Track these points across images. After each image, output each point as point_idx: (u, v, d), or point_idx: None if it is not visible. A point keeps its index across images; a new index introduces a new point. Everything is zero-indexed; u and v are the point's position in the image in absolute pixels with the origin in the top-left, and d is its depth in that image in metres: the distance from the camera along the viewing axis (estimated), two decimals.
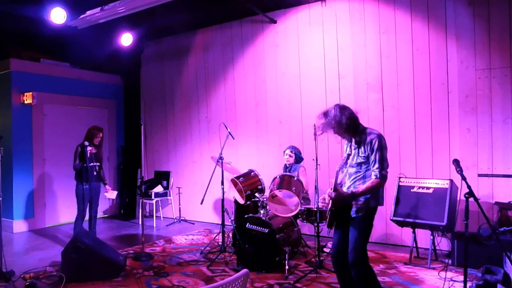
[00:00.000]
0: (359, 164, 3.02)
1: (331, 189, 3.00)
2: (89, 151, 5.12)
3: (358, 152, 3.02)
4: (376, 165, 2.91)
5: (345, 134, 3.05)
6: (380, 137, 2.96)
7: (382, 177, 2.91)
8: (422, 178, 4.78)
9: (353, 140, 3.06)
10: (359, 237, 2.97)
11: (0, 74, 6.89)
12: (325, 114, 3.05)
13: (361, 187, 2.95)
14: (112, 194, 5.55)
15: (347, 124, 2.96)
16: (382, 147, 2.94)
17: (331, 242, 5.21)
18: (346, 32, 5.66)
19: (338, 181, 3.10)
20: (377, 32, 5.44)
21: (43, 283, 4.03)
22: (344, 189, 3.06)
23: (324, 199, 3.17)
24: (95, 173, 5.28)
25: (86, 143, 5.13)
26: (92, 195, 5.33)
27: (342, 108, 3.02)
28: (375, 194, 2.99)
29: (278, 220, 4.62)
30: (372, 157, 2.94)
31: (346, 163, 3.08)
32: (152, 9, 5.61)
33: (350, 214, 3.01)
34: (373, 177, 2.93)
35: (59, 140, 7.12)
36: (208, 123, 7.20)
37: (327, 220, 3.10)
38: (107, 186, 5.58)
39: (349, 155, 3.07)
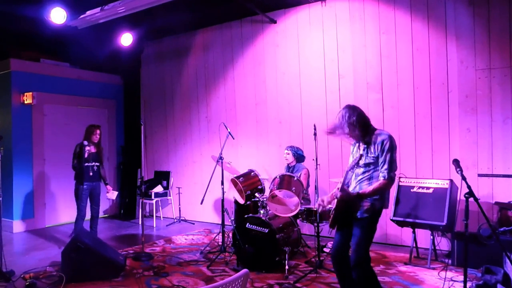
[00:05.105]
0: (367, 165, 2.98)
1: (338, 188, 2.97)
2: (87, 151, 5.11)
3: (367, 153, 2.98)
4: (385, 166, 2.88)
5: (355, 134, 2.99)
6: (391, 138, 2.94)
7: (390, 179, 2.88)
8: (422, 178, 4.78)
9: (362, 140, 3.02)
10: (362, 238, 2.94)
11: (0, 74, 6.90)
12: (342, 116, 3.02)
13: (368, 188, 2.91)
14: (113, 195, 5.54)
15: (358, 123, 2.94)
16: (393, 149, 2.91)
17: (331, 242, 5.23)
18: (346, 32, 5.66)
19: (345, 182, 3.08)
20: (377, 32, 5.44)
21: (43, 283, 4.03)
22: (350, 189, 3.04)
23: (323, 200, 3.14)
24: (91, 173, 5.24)
25: (85, 142, 5.12)
26: (93, 195, 5.32)
27: (352, 108, 3.00)
28: (381, 196, 2.96)
29: (278, 220, 4.62)
30: (382, 158, 2.90)
31: (358, 163, 3.02)
32: (152, 9, 5.61)
33: (355, 215, 2.97)
34: (380, 178, 2.89)
35: (59, 140, 7.12)
36: (208, 123, 7.20)
37: (330, 219, 3.06)
38: (108, 186, 5.54)
39: (361, 155, 3.00)
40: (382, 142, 2.91)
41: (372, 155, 2.95)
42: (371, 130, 3.01)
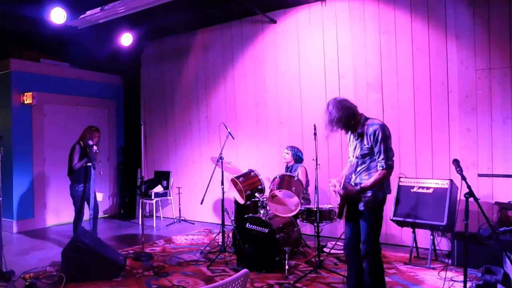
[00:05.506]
0: (363, 156, 3.02)
1: (340, 186, 3.01)
2: (94, 150, 5.12)
3: (361, 144, 3.01)
4: (382, 156, 2.90)
5: (345, 127, 3.03)
6: (383, 127, 2.95)
7: (389, 167, 2.90)
8: (422, 178, 4.78)
9: (355, 132, 3.05)
10: (371, 229, 2.99)
11: (0, 74, 6.89)
12: (325, 111, 3.05)
13: (369, 180, 2.93)
14: (99, 196, 5.52)
15: (345, 117, 2.95)
16: (386, 137, 2.92)
17: (332, 242, 5.24)
18: (346, 32, 5.66)
19: (345, 176, 3.11)
20: (377, 32, 5.44)
21: (43, 283, 4.03)
22: (351, 181, 3.08)
23: (335, 185, 3.12)
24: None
25: (91, 142, 5.13)
26: (92, 195, 5.32)
27: (339, 102, 3.00)
28: (381, 186, 2.98)
29: (278, 220, 4.62)
30: (377, 148, 2.92)
31: (355, 167, 3.07)
32: (152, 9, 5.61)
33: (359, 208, 3.02)
34: (379, 168, 2.92)
35: (59, 140, 7.11)
36: (208, 123, 7.20)
37: (337, 211, 3.14)
38: None
39: (355, 146, 3.05)
40: (374, 132, 2.93)
41: (366, 146, 2.98)
42: (362, 121, 3.02)
